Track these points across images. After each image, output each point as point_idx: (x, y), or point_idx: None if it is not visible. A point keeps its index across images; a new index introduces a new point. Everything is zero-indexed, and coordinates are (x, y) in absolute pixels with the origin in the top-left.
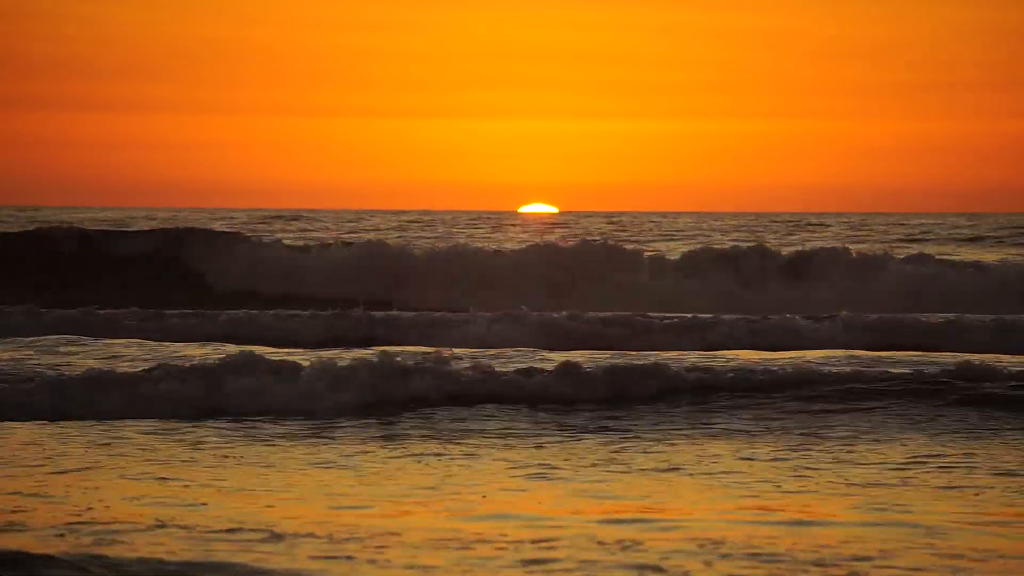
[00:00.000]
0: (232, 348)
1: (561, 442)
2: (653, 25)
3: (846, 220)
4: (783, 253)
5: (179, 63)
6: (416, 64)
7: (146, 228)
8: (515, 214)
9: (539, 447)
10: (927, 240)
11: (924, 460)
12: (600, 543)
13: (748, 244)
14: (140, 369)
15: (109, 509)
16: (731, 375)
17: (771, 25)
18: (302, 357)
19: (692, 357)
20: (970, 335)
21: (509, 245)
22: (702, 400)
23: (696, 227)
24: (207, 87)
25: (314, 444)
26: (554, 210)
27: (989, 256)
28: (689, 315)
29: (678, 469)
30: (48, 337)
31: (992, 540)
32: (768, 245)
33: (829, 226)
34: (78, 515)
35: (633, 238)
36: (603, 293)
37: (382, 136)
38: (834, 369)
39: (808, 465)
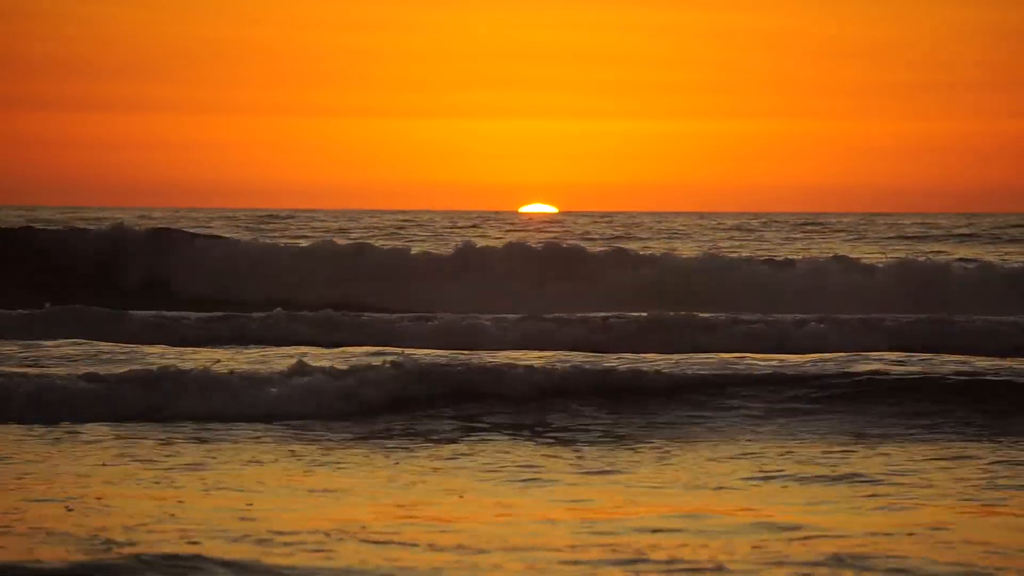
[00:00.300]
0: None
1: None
2: (653, 25)
3: (837, 221)
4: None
5: (179, 63)
6: (416, 64)
7: (80, 227)
8: (515, 214)
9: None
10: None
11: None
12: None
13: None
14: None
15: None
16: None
17: (771, 25)
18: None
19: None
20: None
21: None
22: None
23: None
24: (207, 87)
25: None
26: (554, 210)
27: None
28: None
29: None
30: None
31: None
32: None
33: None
34: None
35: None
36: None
37: (382, 136)
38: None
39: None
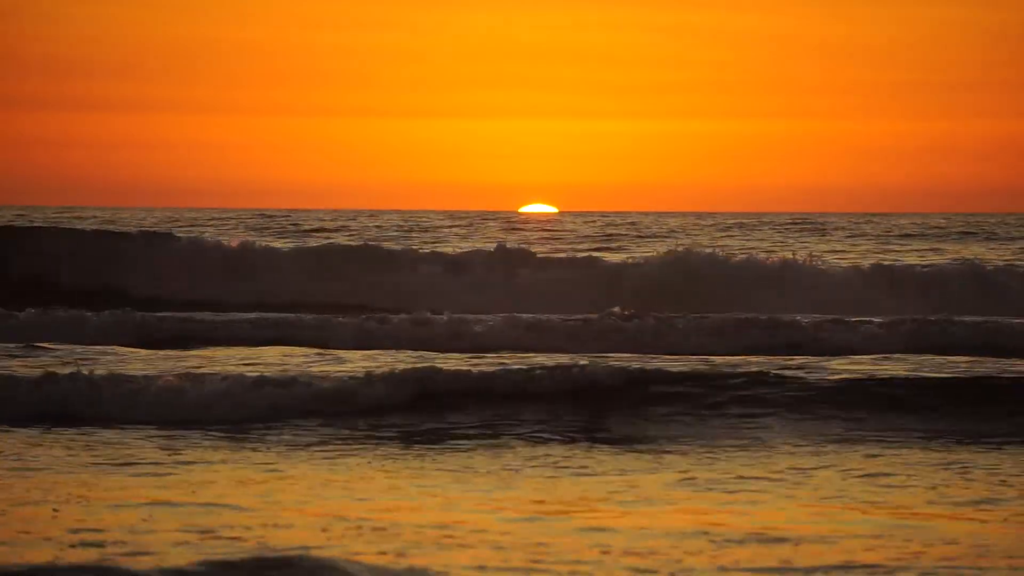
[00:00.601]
0: None
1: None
2: (653, 25)
3: (825, 221)
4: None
5: (178, 63)
6: (416, 64)
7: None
8: (515, 214)
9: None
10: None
11: None
12: None
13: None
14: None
15: None
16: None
17: (771, 25)
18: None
19: None
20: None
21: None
22: None
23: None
24: (207, 87)
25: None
26: (554, 210)
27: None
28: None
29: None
30: None
31: None
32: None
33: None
34: None
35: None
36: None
37: (382, 136)
38: None
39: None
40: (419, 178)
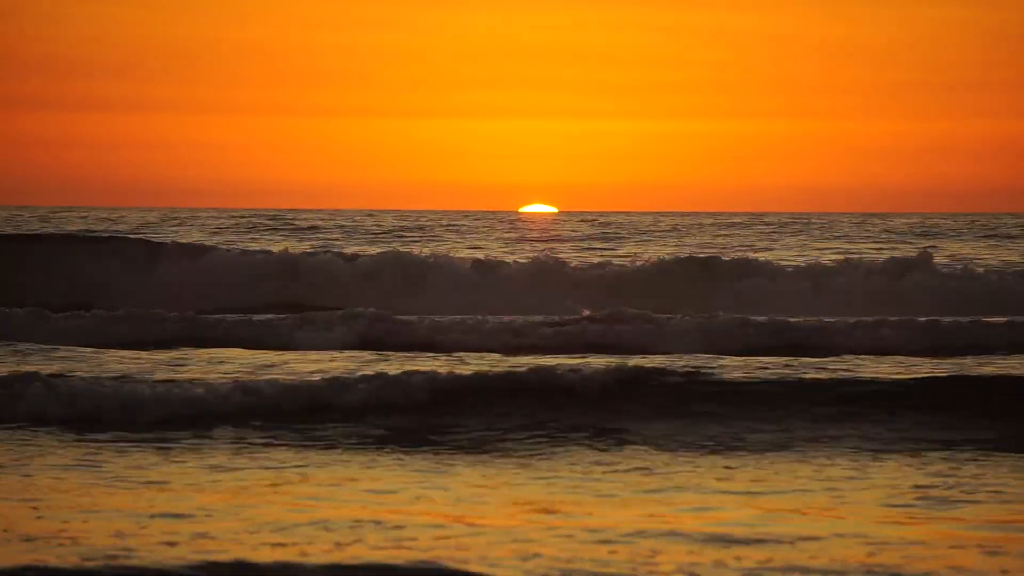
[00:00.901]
0: None
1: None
2: (653, 25)
3: (815, 221)
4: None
5: (179, 63)
6: (416, 64)
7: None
8: (515, 214)
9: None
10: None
11: None
12: None
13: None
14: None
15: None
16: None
17: (771, 25)
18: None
19: None
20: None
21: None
22: None
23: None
24: (207, 87)
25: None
26: (554, 210)
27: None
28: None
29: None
30: None
31: None
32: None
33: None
34: None
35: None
36: None
37: (382, 136)
38: None
39: None
40: (419, 178)
